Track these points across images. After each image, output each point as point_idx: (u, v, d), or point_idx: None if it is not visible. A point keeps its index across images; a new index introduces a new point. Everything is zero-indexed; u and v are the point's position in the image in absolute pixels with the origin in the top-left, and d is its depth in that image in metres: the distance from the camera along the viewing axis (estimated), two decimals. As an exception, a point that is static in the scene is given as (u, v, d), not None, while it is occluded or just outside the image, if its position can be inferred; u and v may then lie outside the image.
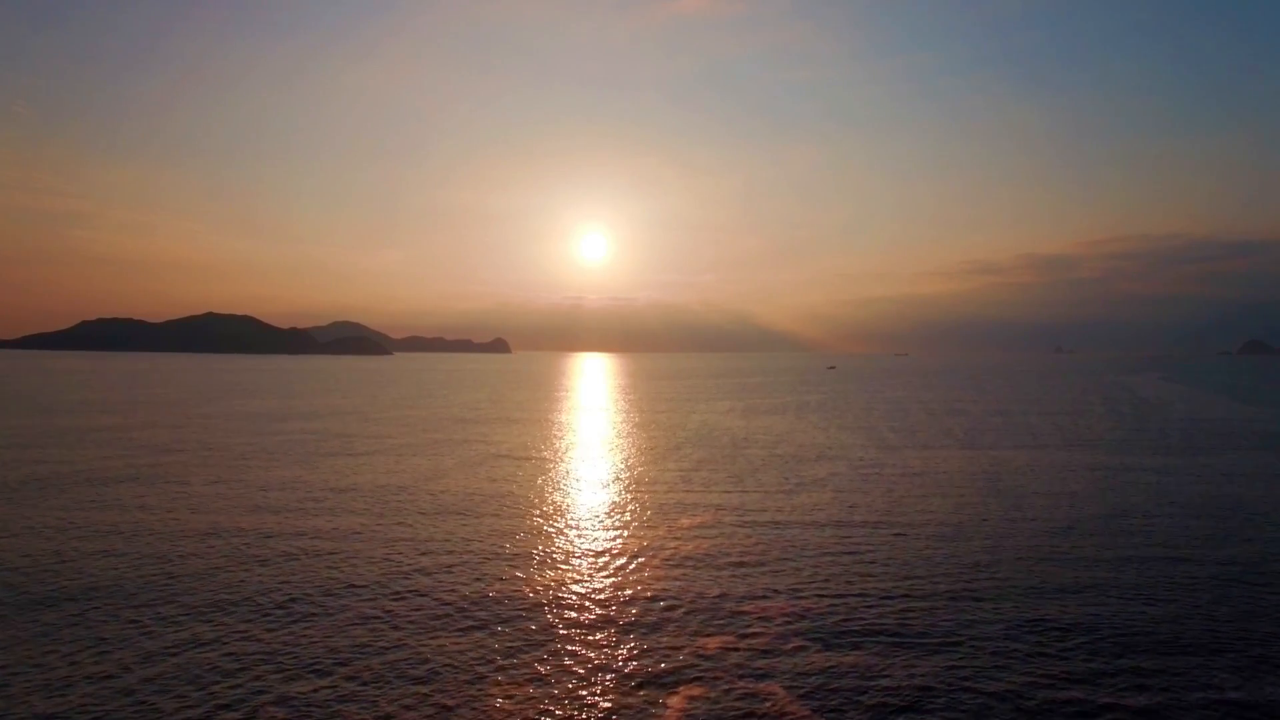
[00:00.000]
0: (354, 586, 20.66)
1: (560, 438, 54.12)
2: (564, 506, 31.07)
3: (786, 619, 18.28)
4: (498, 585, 21.08)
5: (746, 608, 18.92)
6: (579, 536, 26.47)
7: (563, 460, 43.24)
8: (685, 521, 28.07)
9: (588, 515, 29.55)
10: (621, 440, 52.94)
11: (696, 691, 14.81)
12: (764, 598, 19.69)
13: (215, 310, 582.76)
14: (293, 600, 19.40)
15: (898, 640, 17.01)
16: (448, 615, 18.57)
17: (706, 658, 16.14)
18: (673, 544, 25.06)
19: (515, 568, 22.77)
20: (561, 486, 35.22)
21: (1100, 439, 53.60)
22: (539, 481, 36.30)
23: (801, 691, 14.75)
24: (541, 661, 16.16)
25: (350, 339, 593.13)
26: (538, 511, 30.00)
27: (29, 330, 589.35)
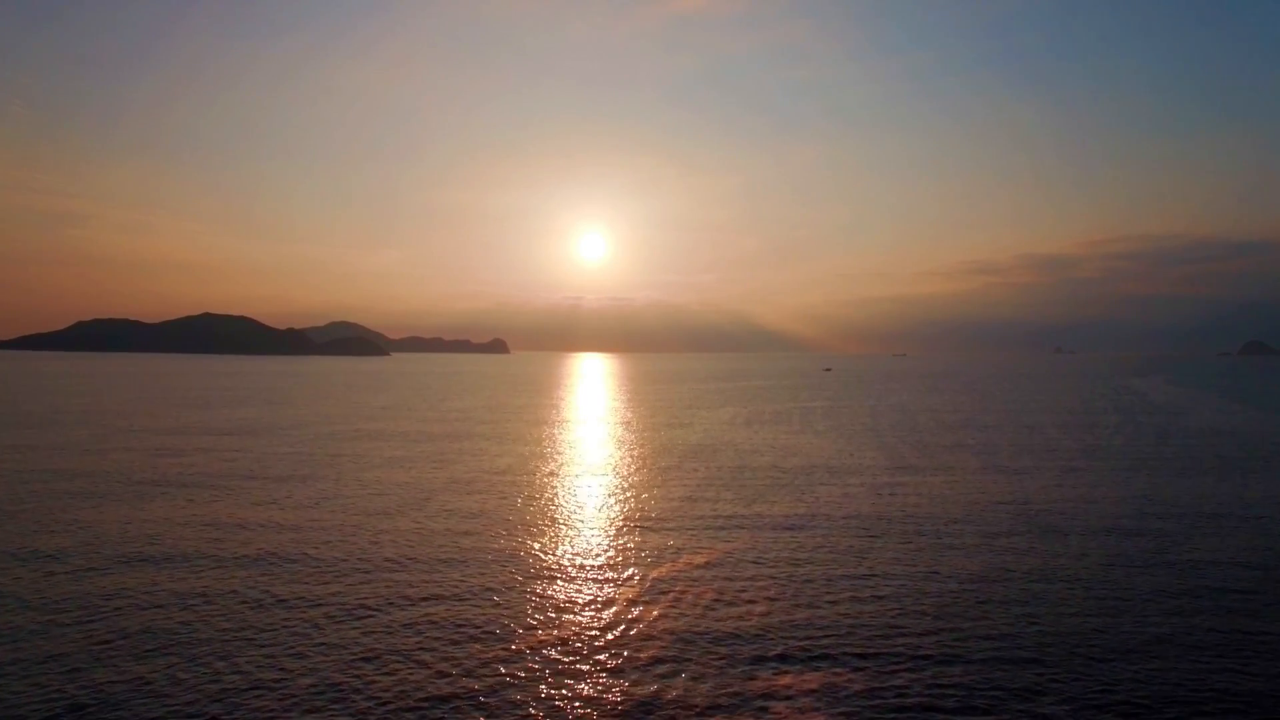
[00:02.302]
0: (317, 636, 18.27)
1: (556, 453, 51.64)
2: (558, 537, 28.47)
3: (808, 686, 15.86)
4: (482, 632, 18.69)
5: (762, 674, 16.46)
6: (573, 573, 23.93)
7: (559, 481, 40.75)
8: (690, 559, 25.56)
9: (584, 548, 27.01)
10: (621, 457, 50.49)
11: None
12: (782, 659, 17.19)
13: (212, 310, 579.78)
14: (239, 653, 16.81)
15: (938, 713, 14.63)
16: (423, 669, 16.21)
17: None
18: (676, 587, 22.53)
19: (502, 610, 20.34)
20: (556, 513, 32.69)
21: (1123, 454, 51.20)
22: (532, 507, 33.76)
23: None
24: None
25: (347, 339, 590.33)
26: (529, 543, 27.40)
27: (25, 331, 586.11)
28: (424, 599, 21.48)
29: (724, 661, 17.49)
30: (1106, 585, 23.18)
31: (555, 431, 65.56)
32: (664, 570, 24.67)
